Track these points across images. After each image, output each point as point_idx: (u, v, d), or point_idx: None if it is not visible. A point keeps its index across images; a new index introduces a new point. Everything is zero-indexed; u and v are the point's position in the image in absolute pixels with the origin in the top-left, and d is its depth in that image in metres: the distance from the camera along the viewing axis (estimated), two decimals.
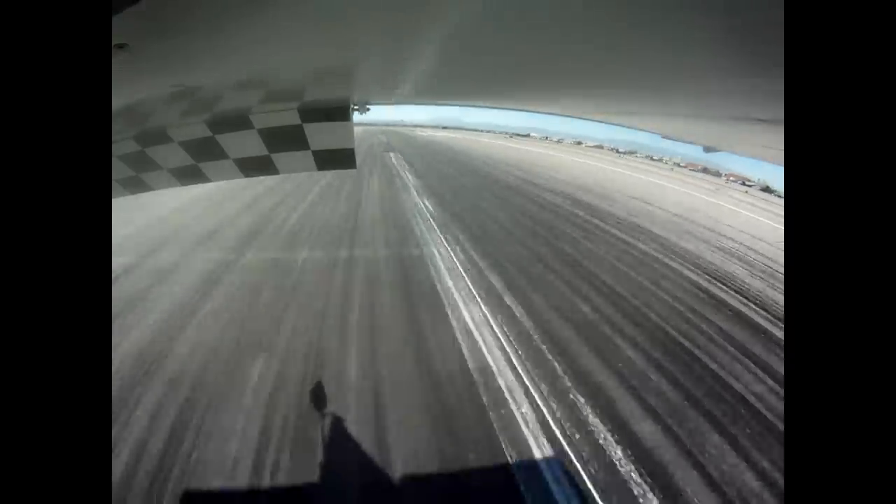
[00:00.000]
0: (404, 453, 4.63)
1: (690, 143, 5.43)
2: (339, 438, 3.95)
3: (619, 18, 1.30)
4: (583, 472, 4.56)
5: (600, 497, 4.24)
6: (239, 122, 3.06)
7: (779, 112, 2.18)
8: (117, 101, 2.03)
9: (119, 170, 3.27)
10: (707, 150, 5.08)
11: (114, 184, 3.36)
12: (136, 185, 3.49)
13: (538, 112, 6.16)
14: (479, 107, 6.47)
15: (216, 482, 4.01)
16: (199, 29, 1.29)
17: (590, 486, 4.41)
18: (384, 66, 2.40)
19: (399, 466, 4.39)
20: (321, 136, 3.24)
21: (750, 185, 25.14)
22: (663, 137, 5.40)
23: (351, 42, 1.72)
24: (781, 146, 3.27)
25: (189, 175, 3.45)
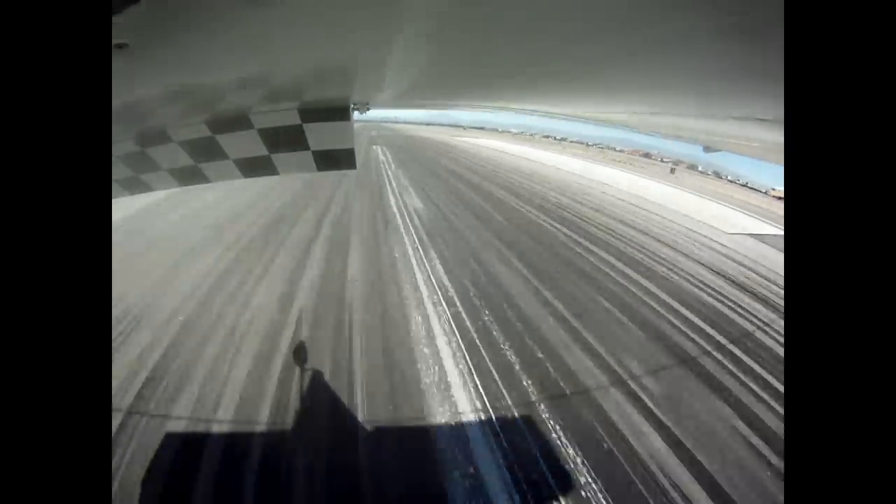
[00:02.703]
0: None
1: (691, 142, 5.44)
2: (319, 394, 4.29)
3: (617, 18, 1.30)
4: None
5: None
6: (239, 122, 3.05)
7: (779, 112, 2.18)
8: (117, 101, 2.02)
9: (119, 170, 3.26)
10: (707, 149, 5.08)
11: (114, 184, 3.36)
12: (136, 185, 3.49)
13: (540, 113, 6.16)
14: (481, 108, 6.48)
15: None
16: (199, 29, 1.28)
17: None
18: (384, 67, 2.40)
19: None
20: (321, 136, 3.23)
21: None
22: (664, 138, 5.41)
23: (351, 42, 1.71)
24: (781, 146, 3.26)
25: (189, 175, 3.45)
